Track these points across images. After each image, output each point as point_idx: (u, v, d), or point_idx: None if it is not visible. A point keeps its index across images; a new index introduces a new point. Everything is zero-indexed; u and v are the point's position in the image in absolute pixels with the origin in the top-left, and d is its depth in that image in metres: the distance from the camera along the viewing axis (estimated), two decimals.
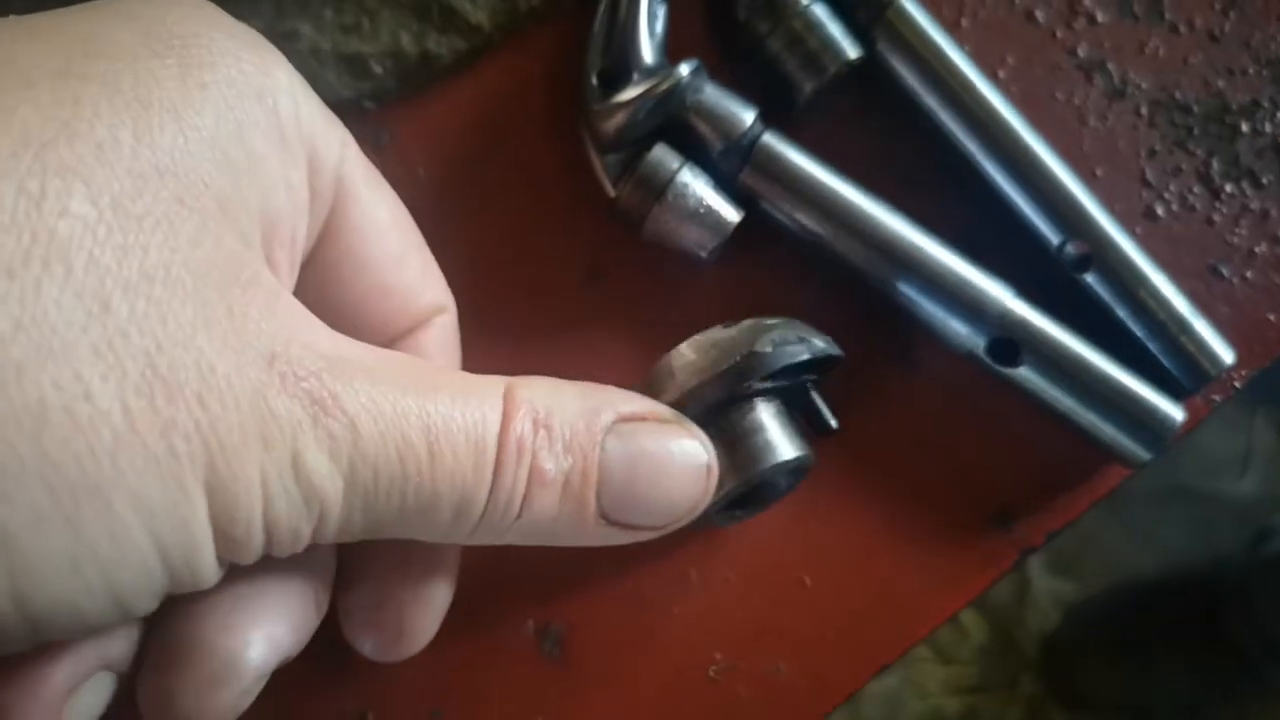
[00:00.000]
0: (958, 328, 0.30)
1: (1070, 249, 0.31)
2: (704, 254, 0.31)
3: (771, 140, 0.30)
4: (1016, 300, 0.30)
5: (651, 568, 0.30)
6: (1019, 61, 0.34)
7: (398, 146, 0.32)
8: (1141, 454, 0.30)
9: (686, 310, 0.32)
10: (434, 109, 0.32)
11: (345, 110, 0.31)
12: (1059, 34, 0.34)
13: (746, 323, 0.27)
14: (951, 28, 0.34)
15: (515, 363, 0.29)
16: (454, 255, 0.28)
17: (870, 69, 0.32)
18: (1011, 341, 0.30)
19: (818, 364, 0.28)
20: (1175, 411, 0.30)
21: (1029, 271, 0.31)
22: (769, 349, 0.26)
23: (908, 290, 0.30)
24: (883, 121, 0.33)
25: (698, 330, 0.26)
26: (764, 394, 0.27)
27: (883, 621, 0.30)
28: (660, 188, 0.30)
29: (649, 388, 0.26)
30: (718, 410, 0.26)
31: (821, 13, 0.31)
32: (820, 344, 0.27)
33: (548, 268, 0.32)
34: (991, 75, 0.34)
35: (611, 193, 0.31)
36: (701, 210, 0.30)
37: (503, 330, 0.32)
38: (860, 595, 0.30)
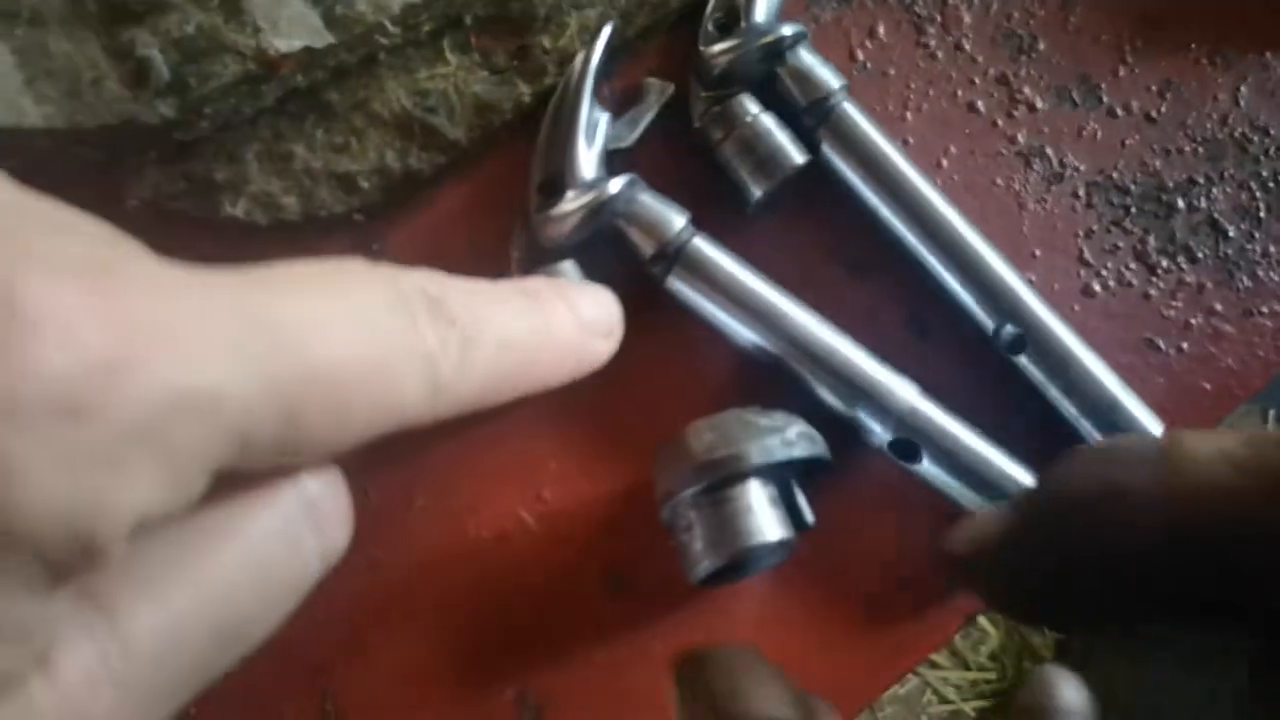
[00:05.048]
0: (868, 424, 0.32)
1: (1006, 332, 0.33)
2: None
3: (700, 244, 0.32)
4: (921, 399, 0.32)
5: (619, 638, 0.33)
6: (961, 151, 0.36)
7: (388, 253, 0.35)
8: None
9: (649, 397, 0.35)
10: (419, 217, 0.35)
11: (337, 223, 0.34)
12: (1000, 123, 0.36)
13: (749, 415, 0.30)
14: (897, 121, 0.36)
15: (526, 446, 0.33)
16: None
17: (818, 166, 0.34)
18: (911, 441, 0.31)
19: (804, 462, 0.30)
20: None
21: (971, 352, 0.34)
22: (755, 446, 0.29)
23: (820, 387, 0.32)
24: (832, 214, 0.35)
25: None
26: (760, 475, 0.30)
27: (832, 685, 0.33)
28: None
29: (661, 461, 0.30)
30: (719, 486, 0.29)
31: (769, 121, 0.33)
32: (806, 447, 0.30)
33: None
34: (935, 165, 0.36)
35: None
36: None
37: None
38: (812, 661, 0.33)
